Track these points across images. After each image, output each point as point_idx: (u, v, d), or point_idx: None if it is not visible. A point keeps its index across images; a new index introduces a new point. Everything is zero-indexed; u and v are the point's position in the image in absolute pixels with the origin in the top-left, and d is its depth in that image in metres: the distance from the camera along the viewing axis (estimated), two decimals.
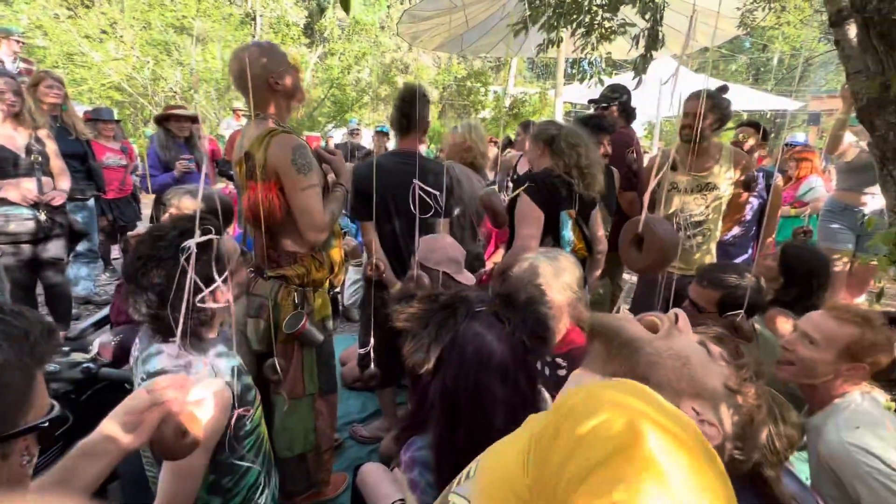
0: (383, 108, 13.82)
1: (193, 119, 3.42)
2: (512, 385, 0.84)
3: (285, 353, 1.56)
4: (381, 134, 5.36)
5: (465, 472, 0.59)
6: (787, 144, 3.80)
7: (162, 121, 3.35)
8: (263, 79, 1.46)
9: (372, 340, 1.63)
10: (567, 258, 1.51)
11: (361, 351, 1.87)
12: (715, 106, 2.13)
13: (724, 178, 2.27)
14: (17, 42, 3.93)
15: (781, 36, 13.80)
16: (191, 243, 0.84)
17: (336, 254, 1.67)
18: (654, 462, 0.37)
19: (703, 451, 0.40)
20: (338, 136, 9.25)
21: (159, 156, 3.25)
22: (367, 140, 7.31)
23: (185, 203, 1.87)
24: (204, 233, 0.99)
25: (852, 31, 1.49)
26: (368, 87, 13.06)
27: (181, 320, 0.85)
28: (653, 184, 1.61)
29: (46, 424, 0.49)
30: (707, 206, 2.30)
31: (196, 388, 0.82)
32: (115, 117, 3.99)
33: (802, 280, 1.78)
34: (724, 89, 2.19)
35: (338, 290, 3.43)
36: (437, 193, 1.91)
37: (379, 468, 1.46)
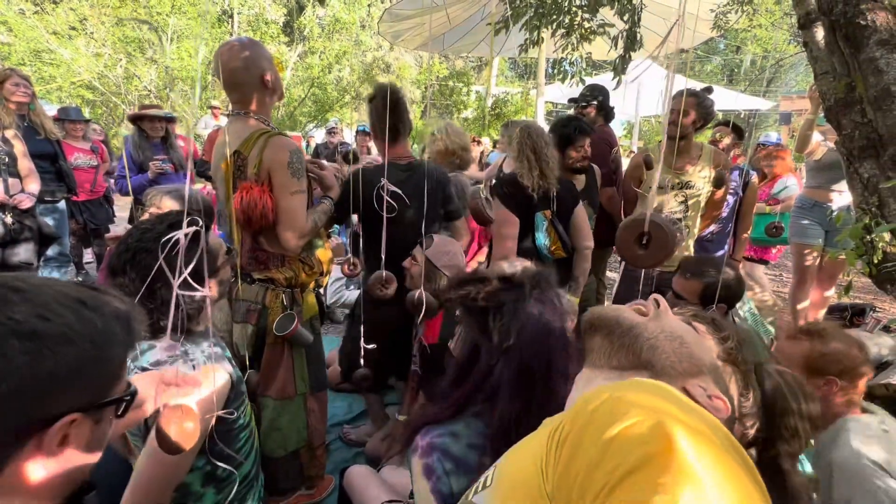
0: (364, 108, 13.72)
1: (169, 119, 3.33)
2: (567, 356, 0.93)
3: (274, 356, 1.54)
4: (362, 133, 5.31)
5: (481, 480, 0.58)
6: (760, 144, 3.92)
7: (136, 120, 3.25)
8: (254, 75, 1.44)
9: (362, 342, 1.62)
10: None
11: (368, 347, 1.85)
12: (699, 104, 2.18)
13: (703, 177, 2.33)
14: None
15: (753, 38, 14.22)
16: (179, 234, 0.85)
17: (322, 254, 1.66)
18: (688, 467, 0.36)
19: (731, 447, 0.40)
20: (319, 135, 9.14)
21: (132, 156, 3.16)
22: (348, 139, 7.25)
23: (166, 203, 1.84)
24: (192, 226, 0.99)
25: (820, 33, 1.55)
26: (349, 86, 12.94)
27: (171, 311, 0.84)
28: (659, 179, 1.66)
29: (129, 398, 0.54)
30: (684, 204, 2.36)
31: (202, 380, 0.85)
32: (86, 117, 3.87)
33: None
34: (708, 90, 2.24)
35: (321, 289, 3.40)
36: (402, 194, 1.84)
37: (366, 470, 1.45)
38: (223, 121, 6.28)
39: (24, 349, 0.43)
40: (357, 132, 5.39)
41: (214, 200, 3.55)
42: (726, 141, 3.06)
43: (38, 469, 0.47)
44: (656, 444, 0.38)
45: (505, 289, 0.97)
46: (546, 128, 2.28)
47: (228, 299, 1.54)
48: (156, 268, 0.90)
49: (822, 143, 2.96)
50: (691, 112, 2.17)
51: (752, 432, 0.65)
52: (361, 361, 1.77)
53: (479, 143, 6.72)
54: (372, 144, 5.25)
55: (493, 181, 2.19)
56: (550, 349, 0.93)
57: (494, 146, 5.82)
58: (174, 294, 0.79)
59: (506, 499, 0.50)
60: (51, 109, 3.95)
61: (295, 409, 1.61)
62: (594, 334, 0.67)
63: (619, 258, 2.73)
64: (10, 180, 2.49)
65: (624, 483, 0.36)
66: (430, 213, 1.97)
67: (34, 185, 2.65)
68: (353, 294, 3.33)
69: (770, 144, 3.81)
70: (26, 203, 2.50)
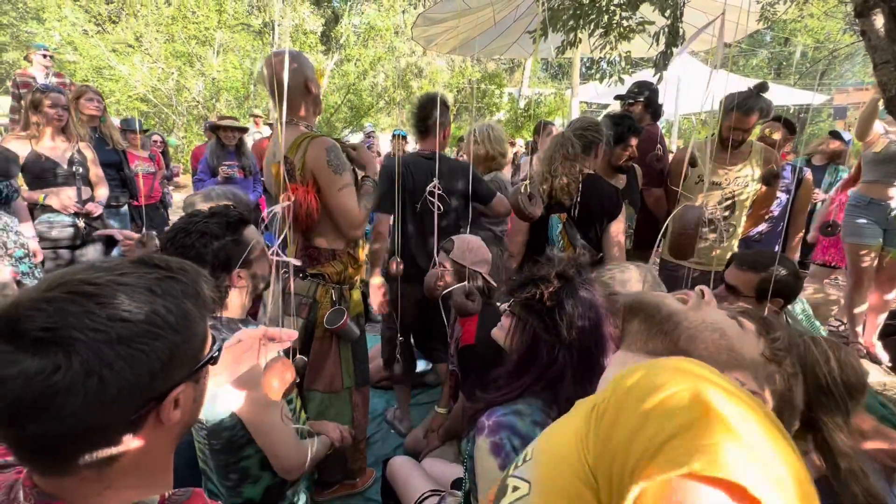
0: (398, 113, 13.95)
1: (242, 130, 3.73)
2: (610, 335, 1.03)
3: (322, 349, 1.62)
4: (398, 138, 5.42)
5: (521, 455, 0.60)
6: (832, 134, 3.64)
7: (215, 129, 3.66)
8: (300, 84, 1.53)
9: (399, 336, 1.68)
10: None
11: (400, 339, 1.94)
12: (762, 111, 2.11)
13: (748, 176, 2.26)
14: (44, 56, 4.13)
15: (804, 28, 13.44)
16: (276, 208, 1.01)
17: (361, 252, 1.73)
18: (727, 429, 0.37)
19: (766, 414, 0.41)
20: (355, 141, 9.38)
21: (209, 162, 3.56)
22: (384, 144, 7.40)
23: (201, 205, 1.97)
24: (241, 217, 1.14)
25: (879, 21, 1.47)
26: (384, 91, 13.21)
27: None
28: (703, 175, 1.65)
29: (218, 351, 0.60)
30: (725, 203, 2.29)
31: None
32: (143, 128, 4.18)
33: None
34: (763, 87, 2.15)
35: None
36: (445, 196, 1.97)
37: (408, 461, 1.50)
38: (265, 129, 6.59)
39: (119, 354, 0.45)
40: (393, 136, 5.50)
41: (263, 204, 3.73)
42: (777, 136, 2.92)
43: (156, 439, 0.52)
44: (695, 410, 0.38)
45: (562, 285, 1.04)
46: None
47: (282, 293, 1.63)
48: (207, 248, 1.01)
49: (882, 135, 2.77)
50: (753, 117, 2.11)
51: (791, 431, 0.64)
52: (398, 356, 1.84)
53: (513, 144, 6.70)
54: (408, 149, 5.36)
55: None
56: (603, 334, 1.03)
57: (527, 147, 5.79)
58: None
59: (548, 472, 0.51)
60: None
61: (342, 403, 1.67)
62: (634, 317, 0.67)
63: (657, 261, 2.66)
64: (83, 188, 2.73)
65: (664, 448, 0.37)
66: (453, 213, 2.05)
67: (103, 192, 2.88)
68: None
69: (843, 138, 3.55)
70: (97, 211, 2.74)
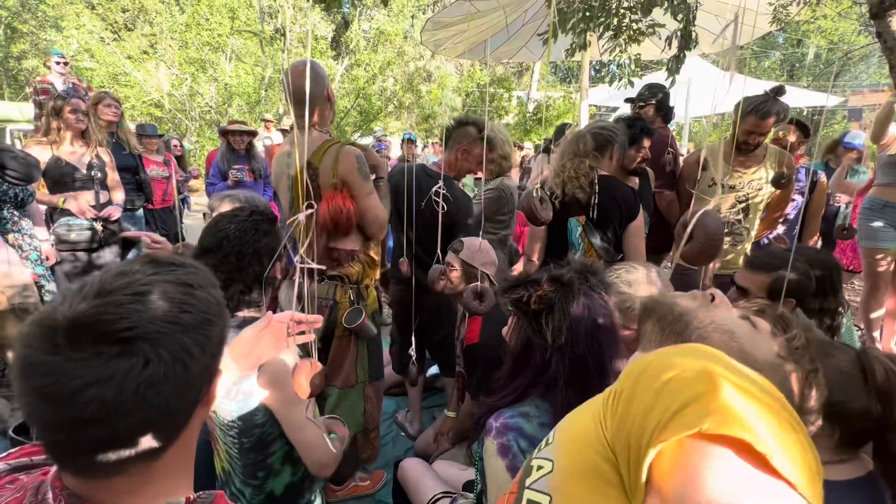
0: (407, 117, 14.04)
1: (251, 133, 3.77)
2: (618, 346, 1.01)
3: (342, 347, 1.67)
4: (408, 142, 5.46)
5: (542, 442, 0.62)
6: (845, 144, 3.59)
7: (225, 134, 3.71)
8: (321, 91, 1.59)
9: (413, 340, 1.70)
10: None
11: (412, 349, 1.96)
12: (778, 115, 2.08)
13: (762, 179, 2.24)
14: (59, 63, 4.24)
15: (817, 30, 13.27)
16: (301, 216, 1.05)
17: (375, 253, 1.77)
18: (735, 395, 0.39)
19: (775, 397, 0.43)
20: (366, 143, 9.45)
21: (219, 166, 3.62)
22: (395, 148, 7.46)
23: (224, 206, 2.00)
24: (269, 214, 1.22)
25: (895, 22, 1.46)
26: (393, 95, 13.31)
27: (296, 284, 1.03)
28: (717, 178, 1.62)
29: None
30: (739, 206, 2.27)
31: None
32: (160, 132, 4.27)
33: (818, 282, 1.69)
34: (780, 91, 2.12)
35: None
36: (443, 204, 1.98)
37: (420, 463, 1.51)
38: (275, 134, 6.68)
39: (195, 341, 0.49)
40: (403, 140, 5.53)
41: (274, 208, 3.79)
42: (791, 139, 2.89)
43: (193, 427, 0.55)
44: (704, 384, 0.41)
45: (554, 290, 1.01)
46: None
47: (299, 296, 1.67)
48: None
49: None
50: (770, 121, 2.08)
51: (813, 428, 0.65)
52: (412, 359, 1.85)
53: (520, 147, 6.69)
54: (417, 152, 5.39)
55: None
56: (601, 342, 0.98)
57: (536, 151, 5.80)
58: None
59: (569, 450, 0.54)
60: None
61: (355, 395, 1.73)
62: (647, 319, 0.68)
63: (669, 264, 2.64)
64: (101, 192, 2.79)
65: (677, 416, 0.40)
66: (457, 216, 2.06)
67: (120, 196, 2.94)
68: None
69: (854, 147, 3.49)
70: (115, 215, 2.80)
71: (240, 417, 1.08)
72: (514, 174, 4.02)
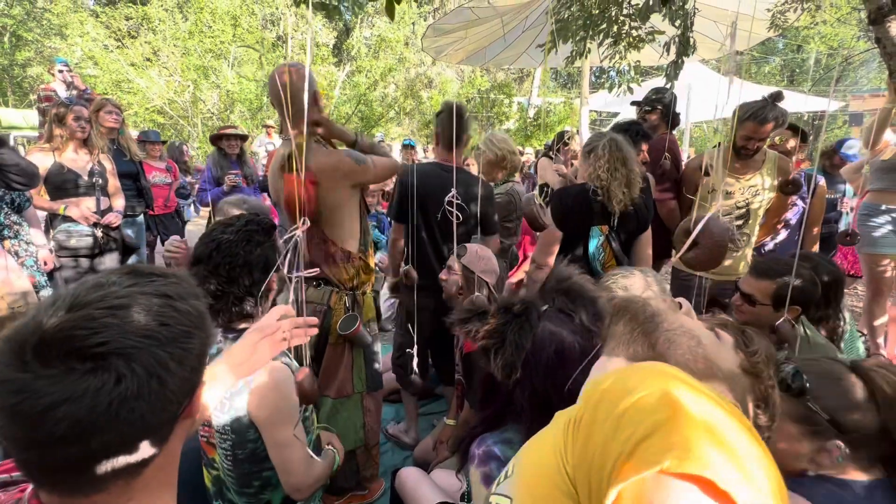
0: (408, 123, 14.09)
1: (243, 138, 3.79)
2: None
3: (335, 355, 1.64)
4: (407, 147, 5.47)
5: (503, 472, 0.60)
6: (842, 155, 3.57)
7: (216, 140, 3.71)
8: (310, 94, 1.57)
9: (416, 347, 1.68)
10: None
11: (413, 354, 1.94)
12: (777, 120, 2.07)
13: (759, 185, 2.23)
14: (61, 72, 4.27)
15: (818, 35, 13.32)
16: (298, 232, 1.06)
17: (371, 259, 1.75)
18: (697, 425, 0.38)
19: (734, 412, 0.42)
20: None
21: (212, 172, 3.63)
22: (396, 154, 7.48)
23: (231, 211, 2.01)
24: (272, 224, 1.20)
25: (894, 27, 1.46)
26: (394, 102, 13.37)
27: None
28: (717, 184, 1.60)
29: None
30: (738, 212, 2.26)
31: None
32: (162, 139, 4.29)
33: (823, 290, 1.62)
34: (778, 97, 2.11)
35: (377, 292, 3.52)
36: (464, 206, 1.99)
37: (418, 472, 1.49)
38: (276, 139, 6.70)
39: (171, 355, 0.48)
40: (402, 146, 5.55)
41: (274, 213, 3.80)
42: (791, 144, 2.88)
43: (176, 440, 0.54)
44: (665, 411, 0.40)
45: (506, 321, 0.93)
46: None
47: (296, 302, 1.65)
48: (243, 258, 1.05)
49: (890, 142, 2.73)
50: (768, 126, 2.07)
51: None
52: (412, 367, 1.84)
53: (521, 153, 6.70)
54: (417, 158, 5.40)
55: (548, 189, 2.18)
56: (566, 372, 0.87)
57: (538, 155, 5.81)
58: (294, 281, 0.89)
59: (528, 485, 0.52)
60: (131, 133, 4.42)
61: (352, 407, 1.69)
62: (619, 320, 0.66)
63: (669, 270, 2.63)
64: (102, 198, 2.80)
65: (637, 450, 0.38)
66: (472, 220, 2.04)
67: (120, 202, 2.95)
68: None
69: (850, 159, 3.48)
70: (116, 222, 2.82)
71: (233, 431, 1.08)
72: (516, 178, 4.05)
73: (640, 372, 0.46)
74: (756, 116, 2.05)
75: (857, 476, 0.85)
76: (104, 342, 0.44)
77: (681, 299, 0.71)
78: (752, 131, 2.09)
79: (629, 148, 1.87)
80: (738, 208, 2.27)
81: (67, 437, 0.42)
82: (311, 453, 1.15)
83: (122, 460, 0.46)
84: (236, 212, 2.02)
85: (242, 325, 1.17)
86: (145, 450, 0.48)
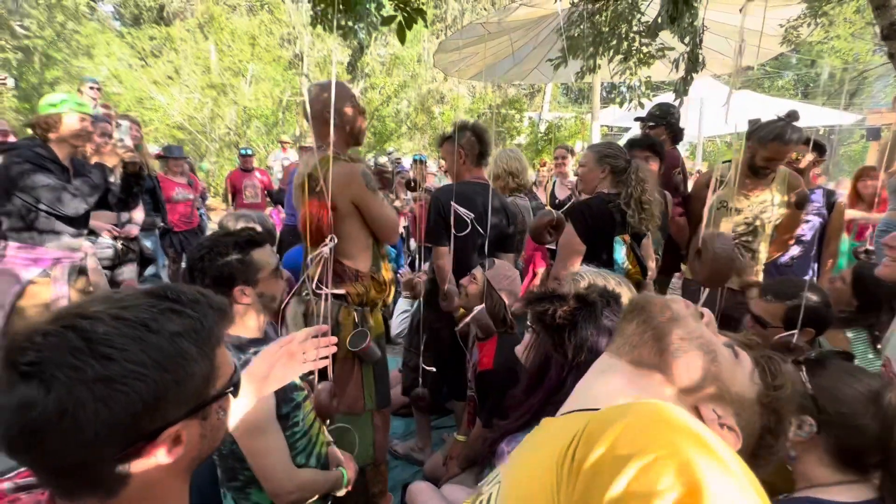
0: (419, 138, 14.27)
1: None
2: None
3: (344, 371, 1.64)
4: (419, 162, 5.52)
5: (483, 497, 0.55)
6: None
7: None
8: (336, 112, 1.62)
9: (421, 361, 1.68)
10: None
11: (427, 368, 1.94)
12: (798, 140, 2.06)
13: (773, 202, 2.21)
14: (91, 89, 4.43)
15: (831, 50, 13.23)
16: (325, 249, 1.13)
17: (386, 273, 1.75)
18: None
19: (746, 472, 0.39)
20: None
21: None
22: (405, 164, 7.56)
23: (238, 225, 2.06)
24: (250, 238, 1.21)
25: None
26: (407, 117, 13.57)
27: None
28: (710, 201, 1.62)
29: (233, 387, 0.58)
30: (750, 227, 2.23)
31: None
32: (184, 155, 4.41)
33: (880, 303, 1.58)
34: (794, 116, 2.08)
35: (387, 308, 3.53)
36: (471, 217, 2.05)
37: (428, 487, 1.48)
38: (291, 154, 6.83)
39: (95, 395, 0.43)
40: (413, 161, 5.60)
41: (279, 224, 3.82)
42: (808, 157, 2.84)
43: (160, 472, 0.50)
44: (684, 488, 0.35)
45: (580, 307, 1.01)
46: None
47: (304, 315, 1.66)
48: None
49: None
50: (791, 147, 2.07)
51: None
52: (420, 380, 1.84)
53: (543, 165, 6.74)
54: (428, 173, 5.45)
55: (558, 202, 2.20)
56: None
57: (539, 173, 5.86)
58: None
59: None
60: (152, 149, 4.54)
61: (363, 424, 1.67)
62: (632, 318, 0.62)
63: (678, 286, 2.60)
64: (122, 212, 2.89)
65: None
66: (494, 235, 2.06)
67: (139, 215, 3.05)
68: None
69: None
70: (134, 233, 2.89)
71: None
72: (541, 193, 4.13)
73: (648, 423, 0.41)
74: (780, 138, 2.03)
75: (848, 497, 0.83)
76: (34, 363, 0.44)
77: (703, 309, 0.69)
78: (775, 152, 2.07)
79: (651, 176, 1.94)
80: (746, 224, 2.25)
81: (13, 444, 0.44)
82: (292, 463, 1.14)
83: (68, 482, 0.46)
84: (235, 225, 2.06)
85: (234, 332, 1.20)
86: (94, 479, 0.46)
